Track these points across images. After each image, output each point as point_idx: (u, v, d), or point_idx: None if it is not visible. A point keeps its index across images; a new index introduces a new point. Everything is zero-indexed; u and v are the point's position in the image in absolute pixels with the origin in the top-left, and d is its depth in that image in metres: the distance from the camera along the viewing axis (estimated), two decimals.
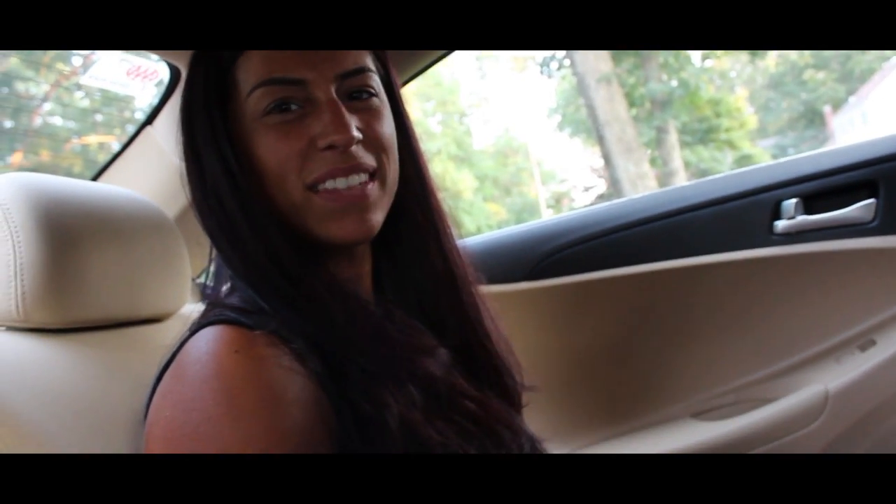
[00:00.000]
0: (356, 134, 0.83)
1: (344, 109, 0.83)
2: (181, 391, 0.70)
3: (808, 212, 1.57)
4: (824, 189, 1.57)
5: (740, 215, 1.63)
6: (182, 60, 1.30)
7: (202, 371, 0.71)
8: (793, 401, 1.56)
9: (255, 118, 0.83)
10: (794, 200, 1.57)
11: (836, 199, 1.56)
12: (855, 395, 1.52)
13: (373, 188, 0.86)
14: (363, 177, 0.85)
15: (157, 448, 0.70)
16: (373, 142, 0.86)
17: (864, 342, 1.59)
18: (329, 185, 0.83)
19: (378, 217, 0.87)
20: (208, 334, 0.75)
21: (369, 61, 0.89)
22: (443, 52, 1.53)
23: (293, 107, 0.83)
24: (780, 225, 1.58)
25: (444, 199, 1.01)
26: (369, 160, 0.86)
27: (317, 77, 0.83)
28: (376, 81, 0.90)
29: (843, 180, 1.56)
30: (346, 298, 0.83)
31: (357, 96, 0.87)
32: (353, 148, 0.84)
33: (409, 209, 0.95)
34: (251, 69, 0.83)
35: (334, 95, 0.84)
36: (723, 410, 1.69)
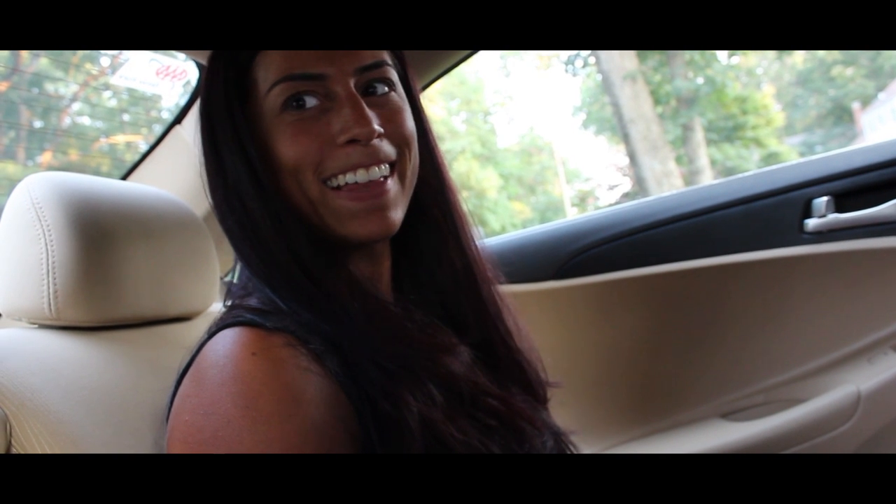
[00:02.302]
0: (377, 127, 0.83)
1: (364, 103, 0.83)
2: (200, 395, 0.70)
3: (840, 210, 1.54)
4: (856, 187, 1.55)
5: (770, 214, 1.61)
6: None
7: (220, 374, 0.71)
8: (824, 401, 1.54)
9: (274, 114, 0.83)
10: (824, 198, 1.55)
11: (869, 196, 1.53)
12: (888, 396, 1.49)
13: (392, 183, 0.86)
14: (384, 169, 0.85)
15: (177, 452, 0.70)
16: (393, 136, 0.87)
17: None
18: (349, 178, 0.83)
19: (398, 214, 0.87)
20: (226, 337, 0.75)
21: (387, 56, 0.89)
22: (465, 52, 1.52)
23: (312, 102, 0.83)
24: (811, 223, 1.56)
25: (467, 198, 1.00)
26: (390, 153, 0.86)
27: (336, 72, 0.83)
28: (394, 76, 0.90)
29: (876, 178, 1.53)
30: (365, 298, 0.83)
31: (375, 91, 0.87)
32: (375, 142, 0.84)
33: (427, 207, 0.95)
34: (270, 66, 0.83)
35: (353, 90, 0.84)
36: (752, 411, 1.68)
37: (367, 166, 0.83)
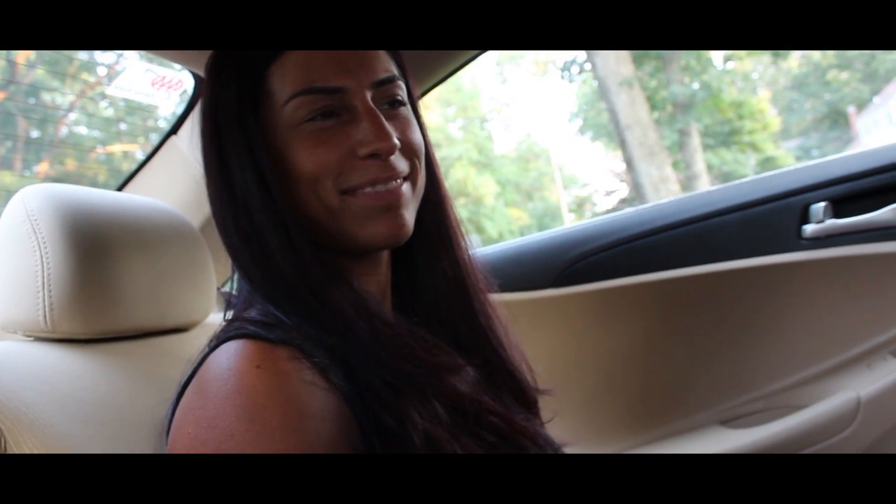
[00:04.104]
0: (397, 142, 0.83)
1: (383, 118, 0.83)
2: (204, 408, 0.70)
3: (838, 215, 1.54)
4: (854, 192, 1.54)
5: (768, 219, 1.61)
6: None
7: (224, 387, 0.70)
8: (824, 407, 1.53)
9: (291, 127, 0.83)
10: (822, 204, 1.54)
11: (866, 202, 1.52)
12: (888, 402, 1.49)
13: (406, 188, 0.87)
14: (399, 181, 0.86)
15: None
16: (407, 149, 0.87)
17: None
18: (368, 190, 0.84)
19: (410, 217, 0.87)
20: (229, 349, 0.75)
21: (396, 70, 0.89)
22: (465, 57, 1.52)
23: (330, 115, 0.83)
24: (809, 229, 1.55)
25: (464, 205, 1.01)
26: (405, 166, 0.87)
27: (354, 85, 0.84)
28: (404, 90, 0.90)
29: (873, 183, 1.53)
30: (371, 316, 0.82)
31: (389, 105, 0.88)
32: (392, 156, 0.84)
33: (421, 219, 0.95)
34: (287, 78, 0.83)
35: (371, 104, 0.84)
36: (752, 417, 1.67)
37: (384, 180, 0.84)
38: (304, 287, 0.81)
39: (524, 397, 0.99)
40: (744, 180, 1.77)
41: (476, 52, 1.54)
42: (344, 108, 0.84)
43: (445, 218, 0.98)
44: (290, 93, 0.83)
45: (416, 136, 0.90)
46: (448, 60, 1.50)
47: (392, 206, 0.84)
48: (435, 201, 0.97)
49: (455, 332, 0.96)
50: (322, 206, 0.84)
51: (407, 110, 0.90)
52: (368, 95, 0.84)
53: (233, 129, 0.84)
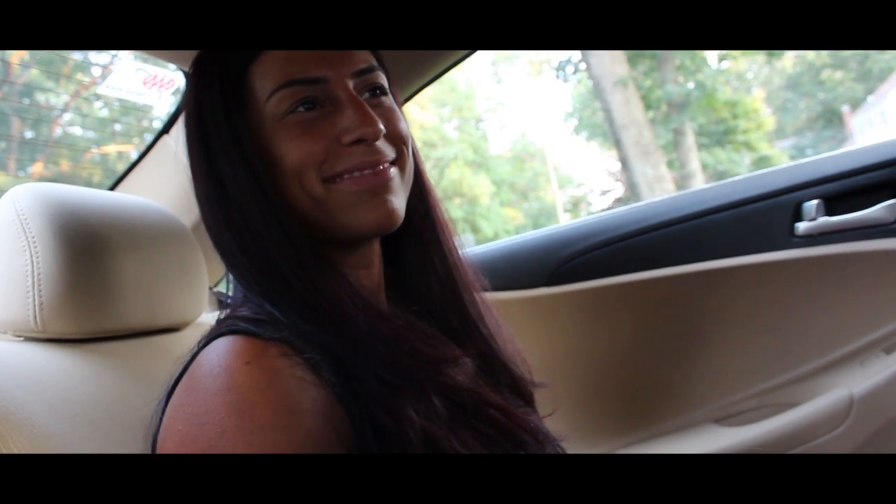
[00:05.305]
0: (382, 127, 0.83)
1: (366, 104, 0.84)
2: (194, 404, 0.69)
3: (830, 213, 1.55)
4: (846, 190, 1.55)
5: (761, 218, 1.61)
6: None
7: (214, 384, 0.70)
8: (817, 405, 1.53)
9: (275, 120, 0.83)
10: (815, 202, 1.55)
11: (858, 199, 1.53)
12: (881, 399, 1.49)
13: (394, 172, 0.87)
14: (386, 165, 0.86)
15: None
16: (393, 136, 0.87)
17: (889, 345, 1.56)
18: (356, 174, 0.84)
19: (400, 203, 0.87)
20: (220, 345, 0.75)
21: (375, 62, 0.90)
22: (456, 55, 1.52)
23: (313, 106, 0.83)
24: (802, 227, 1.56)
25: (459, 205, 1.01)
26: (390, 154, 0.87)
27: (335, 75, 0.84)
28: (385, 80, 0.91)
29: (865, 181, 1.54)
30: (368, 309, 0.82)
31: (371, 94, 0.88)
32: (378, 142, 0.84)
33: (409, 216, 0.94)
34: (268, 73, 0.83)
35: (353, 92, 0.84)
36: (745, 415, 1.67)
37: (371, 165, 0.84)
38: (301, 281, 0.81)
39: (520, 390, 0.99)
40: (737, 178, 1.77)
41: (467, 52, 1.54)
42: (326, 98, 0.84)
43: (433, 214, 0.99)
44: (271, 88, 0.83)
45: (402, 125, 0.89)
46: (439, 60, 1.50)
47: (379, 189, 0.84)
48: (420, 197, 0.97)
49: (447, 327, 0.96)
50: (307, 196, 0.83)
51: (389, 99, 0.90)
52: (350, 84, 0.85)
53: (220, 128, 0.84)
